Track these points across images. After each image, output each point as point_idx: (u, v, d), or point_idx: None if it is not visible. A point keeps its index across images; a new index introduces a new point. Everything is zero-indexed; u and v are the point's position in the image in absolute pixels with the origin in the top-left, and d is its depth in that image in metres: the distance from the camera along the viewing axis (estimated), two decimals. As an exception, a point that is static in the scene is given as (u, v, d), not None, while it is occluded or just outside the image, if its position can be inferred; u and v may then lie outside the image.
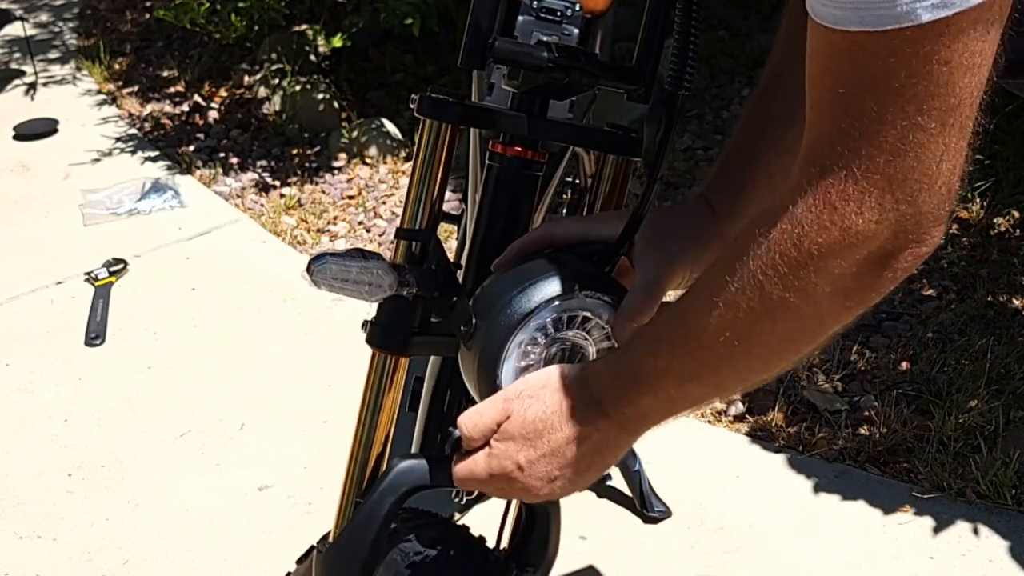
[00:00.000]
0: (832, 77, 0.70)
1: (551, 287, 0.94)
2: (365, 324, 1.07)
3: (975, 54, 0.68)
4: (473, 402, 0.97)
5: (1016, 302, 2.65)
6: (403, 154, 3.60)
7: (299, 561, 1.30)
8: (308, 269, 0.95)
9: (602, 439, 0.89)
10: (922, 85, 0.68)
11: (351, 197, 3.43)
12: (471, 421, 0.93)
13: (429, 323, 1.06)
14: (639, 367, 0.85)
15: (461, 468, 0.94)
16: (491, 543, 1.24)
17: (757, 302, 0.75)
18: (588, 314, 0.95)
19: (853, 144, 0.70)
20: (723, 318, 0.77)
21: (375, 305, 1.05)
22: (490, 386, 0.94)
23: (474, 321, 0.95)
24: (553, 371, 0.91)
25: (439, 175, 1.06)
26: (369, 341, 1.07)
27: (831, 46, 0.70)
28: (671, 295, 1.00)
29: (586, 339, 0.96)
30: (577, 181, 1.85)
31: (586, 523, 2.07)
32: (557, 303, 0.94)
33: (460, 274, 1.08)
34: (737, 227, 1.00)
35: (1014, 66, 0.84)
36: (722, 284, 0.76)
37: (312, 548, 1.23)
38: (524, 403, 0.90)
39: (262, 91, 4.04)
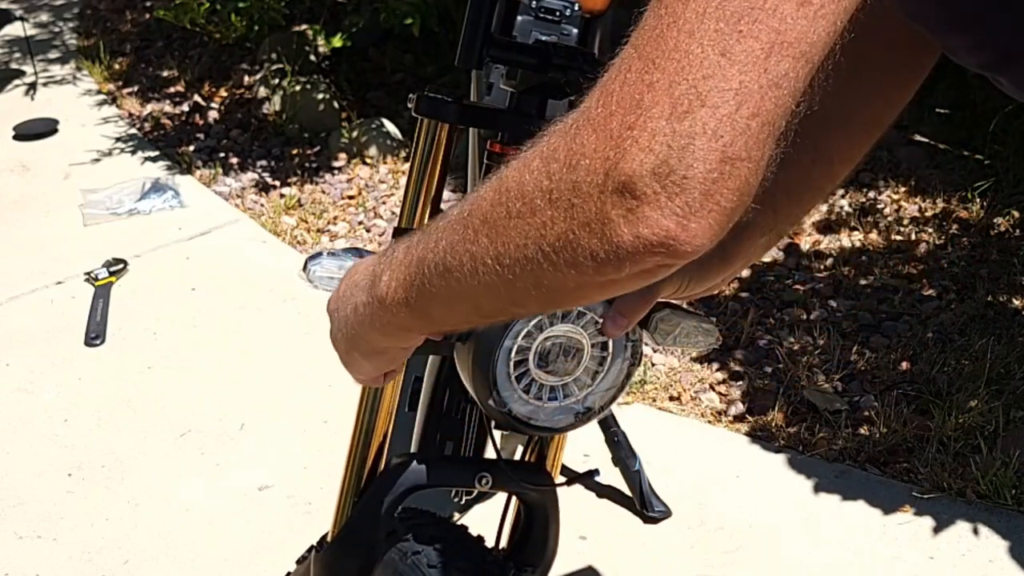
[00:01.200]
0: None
1: None
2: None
3: None
4: (472, 401, 0.97)
5: (1016, 302, 2.65)
6: (403, 154, 3.60)
7: (299, 561, 1.30)
8: (305, 268, 0.95)
9: (358, 300, 0.85)
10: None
11: (351, 197, 3.43)
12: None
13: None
14: (407, 239, 0.80)
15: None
16: (490, 543, 1.24)
17: (513, 185, 0.67)
18: (583, 308, 0.95)
19: (651, 49, 0.61)
20: (488, 200, 0.69)
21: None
22: (485, 381, 0.94)
23: None
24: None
25: (437, 174, 1.06)
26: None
27: None
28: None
29: (580, 333, 0.96)
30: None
31: (586, 523, 2.07)
32: None
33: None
34: (735, 242, 0.97)
35: (996, 59, 0.84)
36: (506, 164, 0.70)
37: (312, 548, 1.23)
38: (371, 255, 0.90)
39: (262, 91, 4.04)
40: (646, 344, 1.14)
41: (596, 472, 1.25)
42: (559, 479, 1.18)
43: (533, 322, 0.95)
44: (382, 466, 1.11)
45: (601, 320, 0.95)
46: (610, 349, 0.97)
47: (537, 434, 1.02)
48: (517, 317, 0.77)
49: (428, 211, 1.06)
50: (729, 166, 0.60)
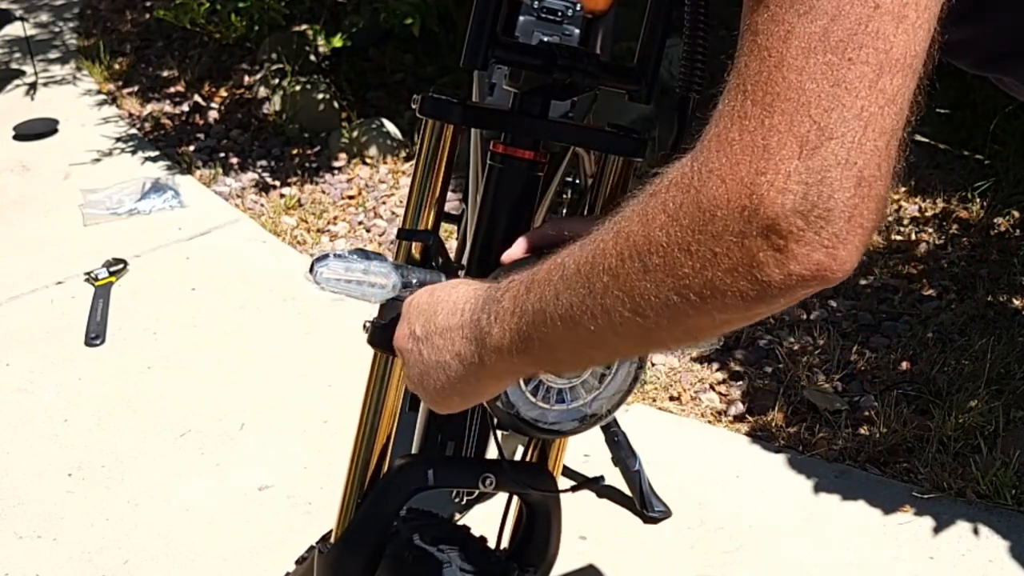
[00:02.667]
0: (754, 17, 0.64)
1: None
2: (366, 325, 1.07)
3: (907, 4, 0.61)
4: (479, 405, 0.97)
5: (1016, 302, 2.66)
6: (403, 154, 3.60)
7: (298, 561, 1.30)
8: (311, 270, 0.95)
9: (457, 344, 0.85)
10: (845, 25, 0.61)
11: (351, 197, 3.43)
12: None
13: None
14: (533, 270, 0.79)
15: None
16: (491, 543, 1.24)
17: (641, 240, 0.68)
18: None
19: (764, 93, 0.62)
20: (613, 254, 0.70)
21: (376, 305, 1.05)
22: None
23: None
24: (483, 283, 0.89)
25: (441, 175, 1.06)
26: (371, 341, 1.07)
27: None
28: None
29: None
30: (577, 181, 1.85)
31: (586, 523, 2.07)
32: None
33: (462, 275, 1.08)
34: None
35: (993, 57, 0.83)
36: (624, 215, 0.71)
37: (312, 548, 1.23)
38: (462, 281, 0.90)
39: (262, 91, 4.05)
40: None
41: (601, 479, 1.25)
42: (564, 484, 1.18)
43: None
44: (385, 467, 1.11)
45: None
46: None
47: (543, 437, 1.01)
48: (657, 352, 0.79)
49: (433, 213, 1.06)
50: (866, 187, 0.62)
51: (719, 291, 0.65)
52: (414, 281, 0.99)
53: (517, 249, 0.99)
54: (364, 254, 0.97)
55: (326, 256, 0.96)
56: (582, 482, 1.21)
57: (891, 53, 0.62)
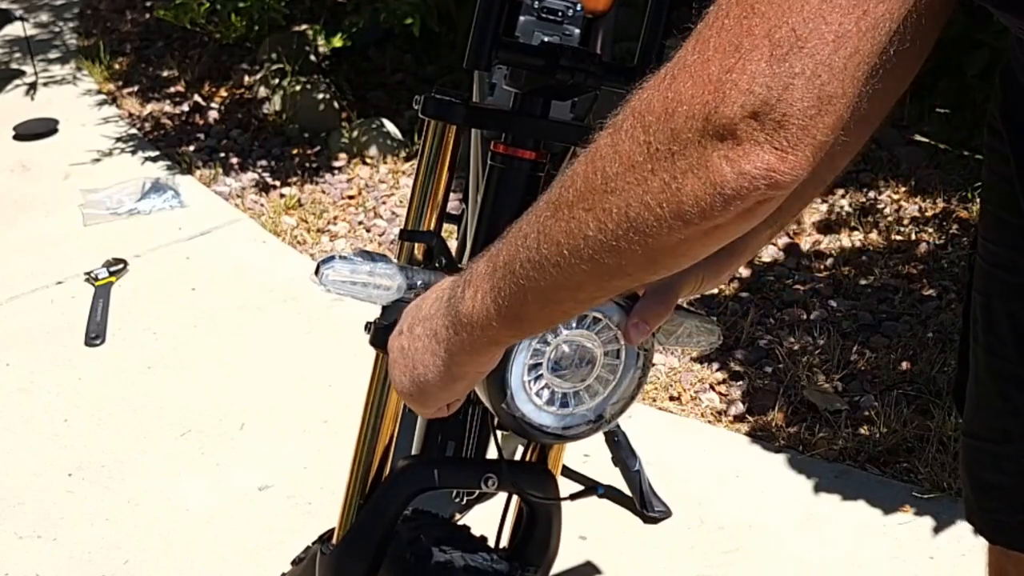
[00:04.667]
0: None
1: None
2: (368, 326, 1.07)
3: None
4: (476, 403, 0.97)
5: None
6: (403, 154, 3.60)
7: (295, 562, 1.30)
8: (317, 272, 0.95)
9: (438, 327, 0.84)
10: None
11: (351, 197, 3.43)
12: None
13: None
14: (486, 254, 0.79)
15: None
16: (491, 543, 1.24)
17: (607, 150, 0.67)
18: (598, 315, 0.94)
19: None
20: (580, 174, 0.70)
21: (378, 306, 1.05)
22: (499, 385, 0.93)
23: None
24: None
25: (443, 176, 1.06)
26: (373, 342, 1.07)
27: None
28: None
29: (593, 340, 0.95)
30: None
31: (586, 523, 2.07)
32: None
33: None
34: (744, 238, 0.99)
35: None
36: (596, 135, 0.70)
37: (309, 548, 1.23)
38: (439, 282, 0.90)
39: (262, 91, 4.05)
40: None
41: (601, 488, 1.25)
42: (564, 484, 1.18)
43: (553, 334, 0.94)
44: (387, 468, 1.11)
45: (617, 328, 0.95)
46: (622, 358, 0.96)
47: (548, 441, 1.01)
48: (616, 292, 0.77)
49: (435, 213, 1.06)
50: (826, 104, 0.62)
51: (676, 195, 0.65)
52: (419, 282, 0.99)
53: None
54: (369, 256, 0.97)
55: (331, 258, 0.95)
56: (584, 491, 1.21)
57: None
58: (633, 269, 0.70)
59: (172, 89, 4.26)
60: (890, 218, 3.04)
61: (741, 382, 2.47)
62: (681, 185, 0.64)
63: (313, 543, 1.22)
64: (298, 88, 3.84)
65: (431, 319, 0.85)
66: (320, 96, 3.83)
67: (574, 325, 0.94)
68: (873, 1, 0.62)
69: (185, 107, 4.12)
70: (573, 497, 1.17)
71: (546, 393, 0.95)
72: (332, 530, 1.16)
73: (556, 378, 0.95)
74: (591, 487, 1.21)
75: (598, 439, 2.19)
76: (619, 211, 0.67)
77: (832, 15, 0.62)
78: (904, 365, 2.48)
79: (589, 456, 2.21)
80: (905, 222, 3.02)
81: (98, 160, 3.73)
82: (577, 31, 1.29)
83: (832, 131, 0.63)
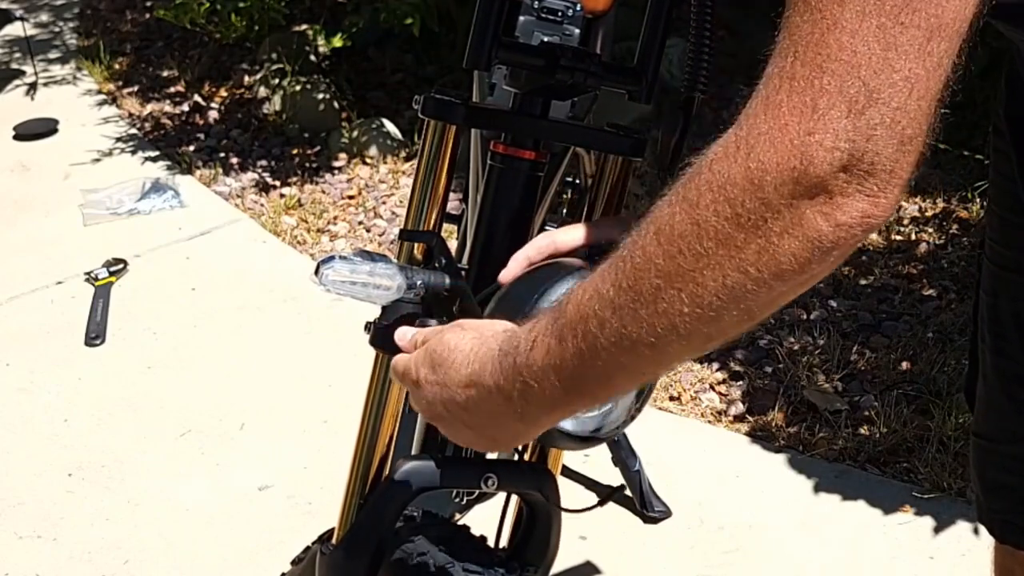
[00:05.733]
0: None
1: (580, 278, 0.93)
2: (368, 325, 1.07)
3: None
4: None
5: (1016, 302, 2.65)
6: (403, 154, 3.60)
7: (294, 562, 1.30)
8: (317, 272, 0.95)
9: (488, 400, 0.82)
10: None
11: (351, 197, 3.43)
12: (417, 332, 0.92)
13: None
14: (557, 313, 0.77)
15: (394, 360, 0.92)
16: (491, 543, 1.24)
17: (689, 228, 0.68)
18: None
19: (815, 55, 0.64)
20: (658, 255, 0.69)
21: (377, 306, 1.05)
22: None
23: None
24: (500, 322, 0.87)
25: (443, 176, 1.06)
26: (372, 342, 1.07)
27: None
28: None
29: None
30: (577, 181, 1.85)
31: (586, 523, 2.07)
32: None
33: (465, 275, 1.08)
34: None
35: (1009, 7, 0.84)
36: (660, 213, 0.70)
37: (308, 548, 1.23)
38: (453, 328, 0.87)
39: (262, 91, 4.05)
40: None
41: (602, 504, 1.25)
42: (568, 488, 1.18)
43: None
44: (387, 468, 1.11)
45: None
46: None
47: (576, 447, 1.00)
48: (704, 352, 0.77)
49: (435, 213, 1.06)
50: (907, 145, 0.65)
51: (774, 258, 0.66)
52: (418, 282, 0.99)
53: (515, 266, 0.98)
54: (369, 256, 0.97)
55: (331, 258, 0.95)
56: (613, 490, 1.20)
57: (942, 18, 0.64)
58: (730, 329, 0.71)
59: (172, 89, 4.26)
60: (890, 218, 3.04)
61: (741, 382, 2.47)
62: (778, 247, 0.66)
63: (313, 543, 1.21)
64: (298, 88, 3.84)
65: (481, 396, 0.83)
66: (320, 96, 3.83)
67: None
68: (934, 41, 0.64)
69: (185, 107, 4.12)
70: (602, 502, 1.17)
71: None
72: (332, 530, 1.16)
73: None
74: (616, 489, 1.21)
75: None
76: (715, 283, 0.68)
77: (899, 62, 0.63)
78: (904, 365, 2.48)
79: (589, 456, 2.20)
80: (905, 222, 3.02)
81: (98, 160, 3.73)
82: (577, 31, 1.29)
83: (915, 167, 0.65)
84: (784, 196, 0.65)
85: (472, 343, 0.84)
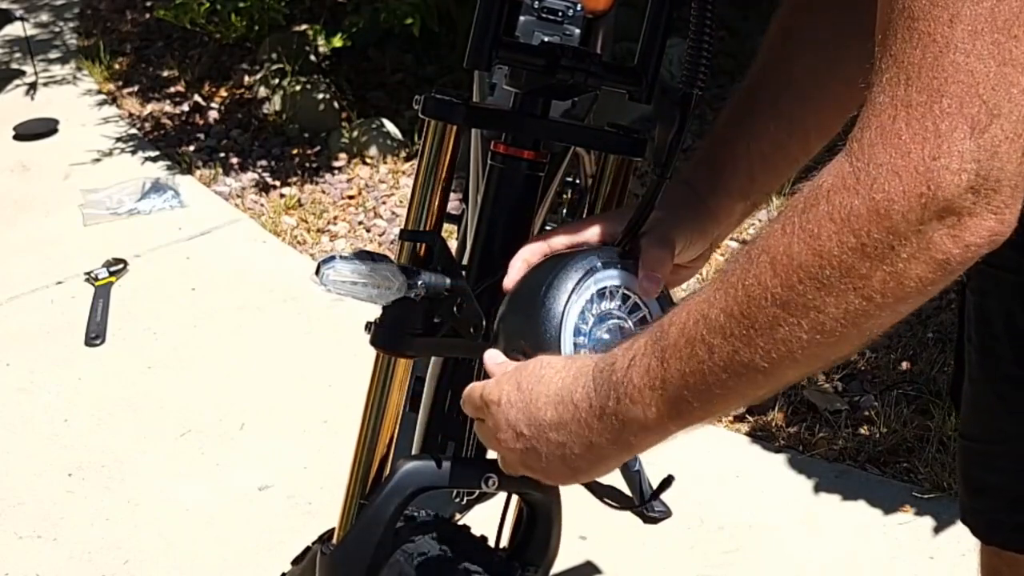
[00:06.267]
0: (909, 4, 0.65)
1: (585, 263, 0.93)
2: (368, 325, 1.07)
3: None
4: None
5: (1016, 302, 2.66)
6: (403, 154, 3.60)
7: (294, 562, 1.30)
8: (317, 272, 0.95)
9: (578, 418, 0.83)
10: (1011, 5, 0.62)
11: (351, 197, 3.43)
12: (499, 357, 0.91)
13: (433, 324, 1.06)
14: (658, 334, 0.77)
15: (471, 386, 0.91)
16: (491, 543, 1.24)
17: (810, 259, 0.68)
18: (627, 290, 0.94)
19: (931, 79, 0.64)
20: (775, 286, 0.70)
21: (378, 306, 1.05)
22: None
23: (511, 321, 0.94)
24: (585, 356, 0.87)
25: (443, 176, 1.06)
26: (373, 342, 1.07)
27: None
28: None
29: (621, 316, 0.94)
30: (577, 181, 1.85)
31: (586, 523, 2.07)
32: (598, 269, 0.93)
33: (465, 275, 1.08)
34: (719, 202, 1.01)
35: None
36: (775, 242, 0.70)
37: (308, 548, 1.23)
38: (543, 358, 0.86)
39: (262, 91, 4.04)
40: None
41: (656, 496, 1.25)
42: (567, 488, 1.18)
43: (588, 300, 0.93)
44: (388, 468, 1.11)
45: (632, 292, 0.94)
46: (651, 321, 0.94)
47: None
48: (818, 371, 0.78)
49: (435, 213, 1.06)
50: None
51: (900, 283, 0.67)
52: (419, 283, 0.99)
53: (515, 272, 0.98)
54: (369, 256, 0.97)
55: (332, 258, 0.95)
56: (659, 487, 1.20)
57: None
58: (847, 351, 0.72)
59: (172, 89, 4.26)
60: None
61: (741, 382, 2.47)
62: (904, 273, 0.66)
63: (313, 543, 1.22)
64: (298, 88, 3.84)
65: (571, 427, 0.83)
66: (320, 96, 3.83)
67: (609, 299, 0.93)
68: None
69: (185, 107, 4.12)
70: (656, 494, 1.18)
71: None
72: (332, 530, 1.16)
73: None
74: (664, 482, 1.21)
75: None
76: (837, 311, 0.68)
77: (1016, 75, 0.64)
78: (904, 365, 2.48)
79: (589, 456, 2.21)
80: (905, 222, 3.02)
81: (98, 160, 3.73)
82: (577, 31, 1.29)
83: None
84: (912, 223, 0.65)
85: (564, 361, 0.85)
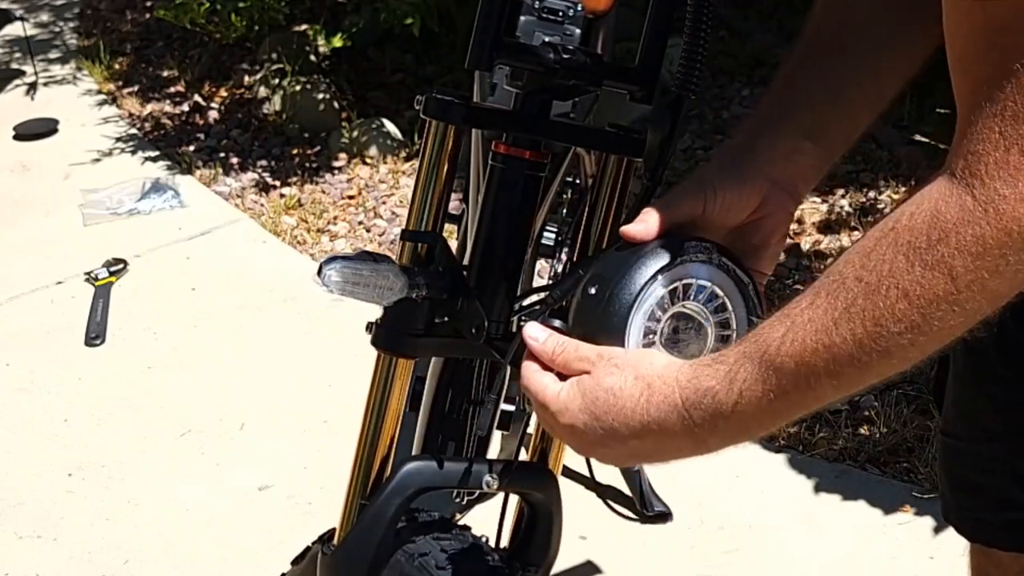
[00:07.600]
0: (1000, 40, 0.70)
1: (670, 252, 0.89)
2: (370, 326, 1.07)
3: None
4: (476, 402, 0.97)
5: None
6: (403, 154, 3.60)
7: (294, 562, 1.30)
8: (319, 273, 0.95)
9: (670, 443, 0.84)
10: None
11: (351, 197, 3.43)
12: (553, 340, 0.87)
13: (434, 324, 1.06)
14: (765, 362, 0.77)
15: (533, 376, 0.87)
16: (491, 543, 1.24)
17: (941, 290, 0.71)
18: (717, 290, 0.90)
19: None
20: (907, 312, 0.72)
21: (379, 307, 1.05)
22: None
23: (590, 292, 0.90)
24: (653, 354, 0.85)
25: (444, 176, 1.06)
26: (374, 343, 1.07)
27: (996, 20, 0.70)
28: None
29: (704, 315, 0.91)
30: (578, 181, 1.85)
31: (586, 523, 2.07)
32: (686, 262, 0.89)
33: (466, 275, 1.08)
34: (770, 141, 0.96)
35: None
36: (906, 278, 0.72)
37: (308, 548, 1.23)
38: (608, 368, 0.83)
39: (262, 91, 4.05)
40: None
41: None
42: (568, 488, 1.18)
43: (666, 286, 0.89)
44: (389, 468, 1.11)
45: (725, 294, 0.92)
46: (733, 326, 0.92)
47: None
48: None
49: (436, 213, 1.06)
50: None
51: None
52: (420, 283, 0.99)
53: (647, 228, 0.91)
54: (370, 256, 0.97)
55: (333, 259, 0.95)
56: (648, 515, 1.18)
57: None
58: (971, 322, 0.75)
59: (172, 89, 4.26)
60: (890, 218, 3.04)
61: (741, 382, 2.47)
62: None
63: (313, 543, 1.22)
64: (298, 88, 3.84)
65: (682, 436, 0.85)
66: (320, 96, 3.83)
67: (693, 296, 0.90)
68: None
69: (185, 107, 4.12)
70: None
71: None
72: (333, 530, 1.16)
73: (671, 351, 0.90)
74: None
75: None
76: (967, 320, 0.73)
77: None
78: (904, 365, 2.47)
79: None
80: (905, 222, 3.02)
81: (98, 160, 3.73)
82: (578, 31, 1.29)
83: None
84: None
85: (638, 388, 0.82)
